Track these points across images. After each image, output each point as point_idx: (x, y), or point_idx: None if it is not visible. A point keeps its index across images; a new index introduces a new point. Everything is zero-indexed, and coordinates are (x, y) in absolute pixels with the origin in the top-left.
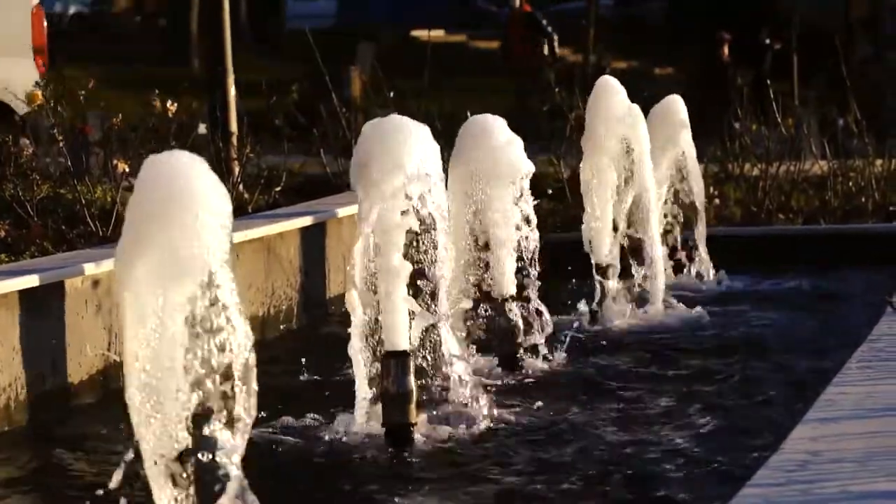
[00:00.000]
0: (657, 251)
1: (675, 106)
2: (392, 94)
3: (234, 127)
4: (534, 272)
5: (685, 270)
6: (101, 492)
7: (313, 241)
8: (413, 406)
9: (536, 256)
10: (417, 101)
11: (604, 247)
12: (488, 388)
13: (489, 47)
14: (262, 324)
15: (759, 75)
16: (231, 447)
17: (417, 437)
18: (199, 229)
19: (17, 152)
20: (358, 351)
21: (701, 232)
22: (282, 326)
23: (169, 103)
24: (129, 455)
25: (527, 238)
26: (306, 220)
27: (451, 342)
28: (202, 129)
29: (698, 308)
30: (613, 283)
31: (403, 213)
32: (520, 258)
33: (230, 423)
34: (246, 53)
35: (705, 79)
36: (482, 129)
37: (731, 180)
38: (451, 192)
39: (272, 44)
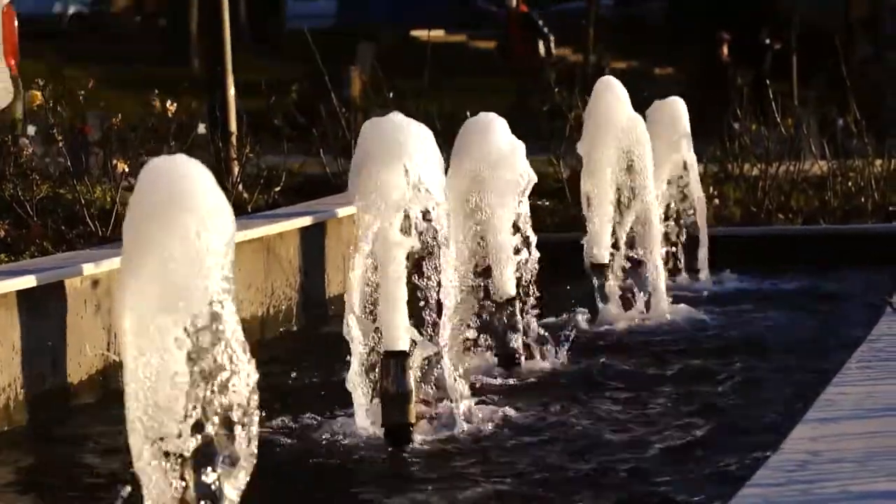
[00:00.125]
0: (657, 250)
1: (677, 112)
2: (392, 94)
3: (233, 127)
4: (531, 301)
5: (685, 271)
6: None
7: (313, 242)
8: (412, 406)
9: (533, 280)
10: (417, 101)
11: (604, 247)
12: (488, 388)
13: (489, 47)
14: (261, 324)
15: (759, 75)
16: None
17: (417, 436)
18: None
19: (17, 152)
20: (357, 386)
21: (702, 234)
22: (281, 329)
23: (168, 103)
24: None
25: (525, 262)
26: (306, 220)
27: (451, 375)
28: (202, 129)
29: (698, 308)
30: (613, 284)
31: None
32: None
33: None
34: (245, 53)
35: (705, 79)
36: (483, 135)
37: (730, 180)
38: (449, 199)
39: (272, 44)
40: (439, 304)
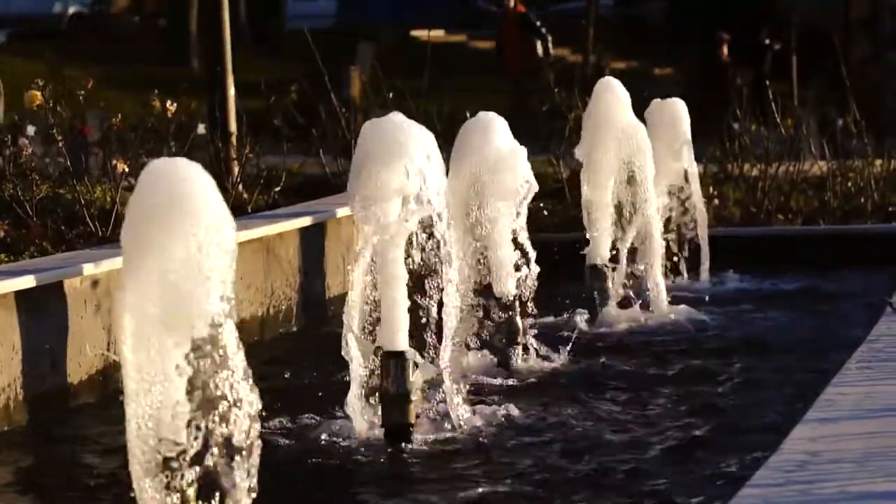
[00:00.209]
0: (657, 248)
1: (678, 114)
2: (392, 94)
3: (233, 127)
4: (529, 321)
5: (684, 271)
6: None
7: (312, 242)
8: (412, 406)
9: (532, 296)
10: (417, 101)
11: (604, 249)
12: (489, 388)
13: (489, 47)
14: (261, 324)
15: (759, 75)
16: None
17: (416, 437)
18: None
19: (17, 152)
20: (358, 412)
21: (703, 244)
22: (281, 329)
23: (168, 103)
24: None
25: (525, 279)
26: (305, 221)
27: (452, 395)
28: (201, 129)
29: (698, 309)
30: (612, 284)
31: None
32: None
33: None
34: (245, 53)
35: (705, 79)
36: (483, 138)
37: (730, 181)
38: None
39: (272, 44)
40: (439, 304)
